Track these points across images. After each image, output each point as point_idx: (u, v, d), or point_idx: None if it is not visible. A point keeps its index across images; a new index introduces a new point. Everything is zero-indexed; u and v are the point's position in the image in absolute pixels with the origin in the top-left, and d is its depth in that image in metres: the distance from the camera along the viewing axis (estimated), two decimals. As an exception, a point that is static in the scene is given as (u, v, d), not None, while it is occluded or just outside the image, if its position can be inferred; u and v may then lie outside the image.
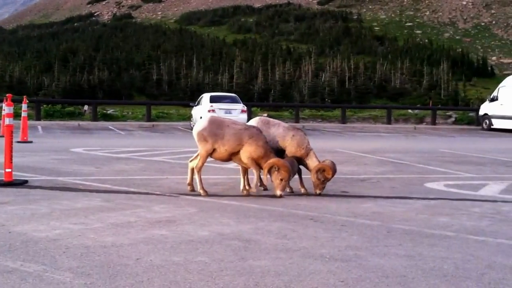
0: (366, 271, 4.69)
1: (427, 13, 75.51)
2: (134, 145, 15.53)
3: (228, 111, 21.74)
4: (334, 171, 8.13)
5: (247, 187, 8.28)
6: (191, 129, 23.58)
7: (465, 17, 73.08)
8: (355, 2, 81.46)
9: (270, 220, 6.51)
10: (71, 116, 29.55)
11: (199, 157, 8.19)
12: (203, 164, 8.15)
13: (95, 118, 28.06)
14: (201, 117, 21.77)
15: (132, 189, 8.35)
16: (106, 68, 43.23)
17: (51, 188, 8.32)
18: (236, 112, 21.84)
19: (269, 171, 7.83)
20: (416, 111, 35.52)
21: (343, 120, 31.31)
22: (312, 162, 8.22)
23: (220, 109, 21.63)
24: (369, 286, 4.34)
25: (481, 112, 29.04)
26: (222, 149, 7.99)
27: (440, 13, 74.62)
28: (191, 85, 42.93)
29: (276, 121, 8.76)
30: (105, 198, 7.62)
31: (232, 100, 22.95)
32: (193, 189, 8.20)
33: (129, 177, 9.52)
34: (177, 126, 25.42)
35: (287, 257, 5.03)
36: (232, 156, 8.07)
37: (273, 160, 7.83)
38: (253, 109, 31.25)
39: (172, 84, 43.75)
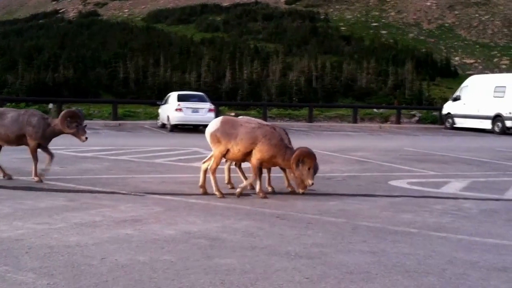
0: (331, 267, 4.75)
1: (392, 13, 76.51)
2: (100, 144, 15.34)
3: (195, 110, 21.65)
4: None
5: (287, 185, 8.26)
6: (158, 127, 23.44)
7: (429, 18, 74.28)
8: (322, 2, 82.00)
9: (236, 219, 6.53)
10: (35, 114, 29.03)
11: (213, 158, 8.10)
12: (217, 165, 8.05)
13: (60, 116, 27.60)
14: (168, 116, 21.78)
15: (97, 189, 8.27)
16: (72, 66, 42.51)
17: (14, 188, 8.19)
18: (203, 111, 21.75)
19: (297, 165, 7.79)
20: (381, 110, 35.95)
21: (310, 119, 31.51)
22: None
23: (187, 108, 21.52)
24: (333, 282, 4.40)
25: (444, 111, 29.54)
26: (236, 149, 7.89)
27: (405, 14, 75.68)
28: (159, 83, 42.57)
29: (258, 120, 8.75)
30: (69, 197, 7.54)
31: (200, 99, 22.84)
32: (205, 192, 8.10)
33: (94, 177, 9.43)
34: (144, 125, 25.23)
35: (253, 255, 5.06)
36: (247, 156, 7.96)
37: (297, 152, 7.79)
38: (221, 108, 31.18)
39: (139, 83, 43.30)
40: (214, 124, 8.08)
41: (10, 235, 5.48)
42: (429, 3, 77.23)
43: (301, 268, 4.70)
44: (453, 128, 28.16)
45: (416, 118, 34.30)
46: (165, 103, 23.37)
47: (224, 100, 39.19)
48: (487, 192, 8.94)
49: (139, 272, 4.47)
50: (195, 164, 11.45)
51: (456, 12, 74.89)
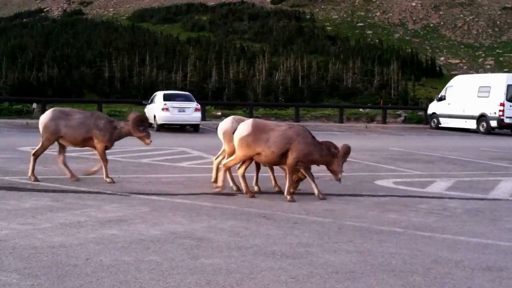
0: (317, 267, 4.76)
1: (378, 14, 76.86)
2: (85, 143, 15.24)
3: (181, 110, 21.59)
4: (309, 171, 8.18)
5: (317, 192, 8.14)
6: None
7: (414, 18, 74.74)
8: (308, 2, 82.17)
9: (223, 219, 6.52)
10: (19, 114, 28.77)
11: (232, 160, 7.99)
12: (234, 165, 8.06)
13: (44, 116, 27.35)
14: (154, 116, 21.67)
15: (82, 188, 8.22)
16: (56, 65, 42.20)
17: (-2, 188, 8.10)
18: (189, 110, 21.71)
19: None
20: (367, 110, 36.10)
21: (297, 119, 31.54)
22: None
23: (173, 107, 21.46)
24: (319, 282, 4.40)
25: (429, 111, 29.71)
26: (268, 152, 7.76)
27: (391, 14, 76.08)
28: (144, 83, 42.40)
29: (250, 120, 8.72)
30: (54, 197, 7.47)
31: (186, 99, 22.79)
32: (238, 188, 8.26)
33: (79, 176, 9.34)
34: (130, 124, 25.07)
35: (239, 255, 5.05)
36: (282, 158, 7.85)
37: (344, 149, 7.91)
38: (207, 107, 31.13)
39: (124, 82, 43.09)
40: (244, 129, 7.85)
41: (-7, 236, 5.42)
42: (414, 3, 77.70)
43: (287, 268, 4.70)
44: (438, 128, 28.35)
45: (402, 118, 34.47)
46: (151, 102, 23.28)
47: (210, 99, 39.17)
48: (472, 192, 9.01)
49: (124, 273, 4.45)
50: (182, 164, 11.42)
51: (441, 13, 75.43)
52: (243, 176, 8.10)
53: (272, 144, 7.73)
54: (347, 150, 7.96)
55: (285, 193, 7.88)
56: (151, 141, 9.07)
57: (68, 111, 9.13)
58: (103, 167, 8.88)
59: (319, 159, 7.96)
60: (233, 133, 8.19)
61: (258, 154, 7.82)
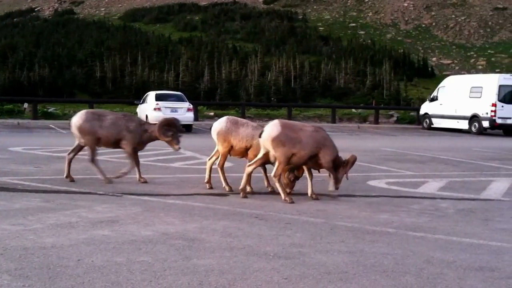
0: (309, 268, 4.75)
1: (370, 14, 77.03)
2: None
3: (174, 110, 21.54)
4: (303, 170, 8.18)
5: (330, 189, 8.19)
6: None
7: (406, 19, 74.95)
8: (300, 2, 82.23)
9: (215, 219, 6.50)
10: (10, 114, 28.64)
11: (278, 165, 7.73)
12: (282, 170, 7.83)
13: (35, 116, 27.25)
14: (146, 115, 21.62)
15: (73, 189, 8.17)
16: (47, 65, 42.01)
17: (-12, 189, 8.04)
18: (182, 110, 21.68)
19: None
20: (360, 110, 36.18)
21: (289, 119, 31.59)
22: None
23: (166, 107, 21.42)
24: (311, 282, 4.40)
25: (421, 112, 29.81)
26: (303, 153, 7.71)
27: (383, 14, 76.26)
28: (136, 83, 42.28)
29: (244, 120, 8.69)
30: (45, 198, 7.43)
31: (178, 99, 22.76)
32: (231, 189, 8.30)
33: (74, 177, 9.29)
34: (121, 124, 24.98)
35: (232, 255, 5.04)
36: (311, 160, 7.87)
37: (354, 157, 8.04)
38: (200, 107, 31.10)
39: (116, 82, 42.95)
40: (273, 129, 7.69)
41: (-16, 237, 5.38)
42: (406, 4, 77.94)
43: (279, 269, 4.69)
44: (431, 128, 28.45)
45: (394, 118, 34.59)
46: (143, 102, 23.24)
47: (202, 99, 39.13)
48: (464, 192, 9.03)
49: (115, 274, 4.42)
50: (174, 164, 11.39)
51: (433, 13, 75.69)
52: (222, 169, 8.37)
53: (306, 145, 7.73)
54: (354, 161, 8.08)
55: (331, 188, 8.04)
56: (179, 148, 8.97)
57: (101, 112, 9.14)
58: (136, 169, 8.90)
59: (338, 165, 8.05)
60: (227, 133, 8.18)
61: (292, 154, 7.72)
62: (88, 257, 4.82)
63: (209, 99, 40.00)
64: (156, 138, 8.99)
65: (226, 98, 40.60)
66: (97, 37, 56.00)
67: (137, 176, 8.96)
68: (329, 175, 8.09)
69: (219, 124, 8.39)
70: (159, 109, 21.23)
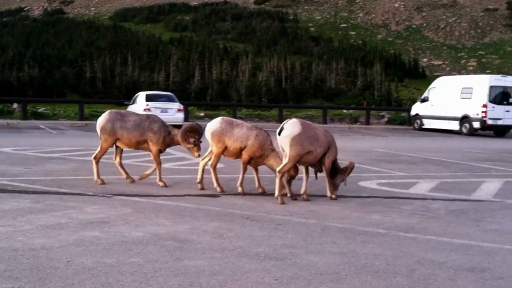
0: (300, 269, 4.74)
1: (361, 15, 77.21)
2: (66, 144, 15.11)
3: (164, 110, 21.50)
4: (297, 169, 8.17)
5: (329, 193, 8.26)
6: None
7: (397, 20, 75.19)
8: (291, 2, 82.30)
9: (206, 220, 6.47)
10: (0, 114, 28.46)
11: (287, 163, 7.75)
12: (290, 168, 7.86)
13: (25, 116, 27.10)
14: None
15: (63, 190, 8.11)
16: (37, 64, 41.77)
17: (-23, 189, 7.97)
18: (172, 111, 21.64)
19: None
20: (351, 111, 36.25)
21: (280, 119, 31.59)
22: (276, 162, 8.18)
23: (156, 108, 21.37)
24: (302, 283, 4.38)
25: (412, 113, 29.92)
26: (319, 151, 7.82)
27: (373, 15, 76.46)
28: (126, 83, 42.11)
29: (239, 121, 8.65)
30: (34, 199, 7.37)
31: (169, 99, 22.72)
32: (222, 190, 8.31)
33: (60, 178, 9.24)
34: (112, 125, 24.87)
35: (223, 256, 5.01)
36: (321, 158, 7.96)
37: (353, 164, 8.28)
38: (190, 108, 31.04)
39: (106, 82, 42.76)
40: (295, 128, 7.70)
41: (-28, 238, 5.32)
42: (397, 5, 78.21)
43: (270, 270, 4.68)
44: (422, 129, 28.55)
45: (385, 119, 34.69)
46: (133, 103, 23.17)
47: (193, 100, 39.04)
48: (455, 193, 9.06)
49: (106, 275, 4.39)
50: (165, 165, 11.32)
51: (424, 14, 76.00)
52: (211, 170, 8.34)
53: (322, 143, 7.84)
54: (352, 168, 8.24)
55: (329, 194, 8.16)
56: (199, 155, 8.84)
57: (124, 113, 9.05)
58: (157, 170, 8.83)
59: (336, 169, 8.18)
60: (222, 133, 8.16)
61: (308, 153, 7.77)
62: (78, 259, 4.78)
63: (200, 100, 39.93)
64: (177, 143, 8.88)
65: (217, 99, 40.55)
66: (87, 37, 55.79)
67: (157, 178, 8.82)
68: (326, 180, 8.22)
69: (214, 125, 8.37)
70: (149, 109, 21.16)
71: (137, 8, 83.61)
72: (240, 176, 8.40)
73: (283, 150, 7.87)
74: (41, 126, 23.18)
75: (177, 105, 22.09)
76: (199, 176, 8.64)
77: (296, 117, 33.39)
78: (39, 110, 29.81)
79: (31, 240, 5.31)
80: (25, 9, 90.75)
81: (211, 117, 30.45)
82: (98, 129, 8.90)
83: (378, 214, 7.19)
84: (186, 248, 5.23)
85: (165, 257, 4.91)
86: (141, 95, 22.71)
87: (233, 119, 8.63)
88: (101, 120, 8.88)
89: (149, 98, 22.00)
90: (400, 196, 8.61)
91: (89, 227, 5.90)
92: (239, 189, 8.33)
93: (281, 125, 7.91)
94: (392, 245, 5.62)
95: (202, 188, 8.52)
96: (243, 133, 8.21)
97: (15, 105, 30.33)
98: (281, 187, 7.83)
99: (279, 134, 7.83)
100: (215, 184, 8.42)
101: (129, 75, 43.60)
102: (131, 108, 23.11)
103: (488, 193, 9.12)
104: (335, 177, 8.13)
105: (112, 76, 43.72)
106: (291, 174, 8.14)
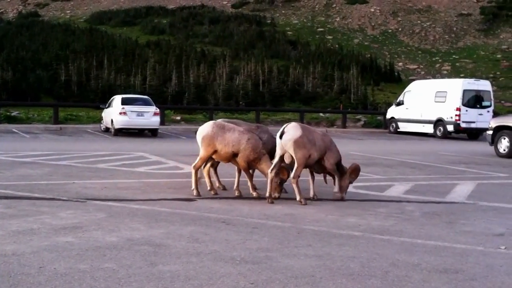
0: (276, 272, 4.73)
1: (338, 19, 77.71)
2: (40, 148, 14.90)
3: (140, 114, 21.33)
4: (289, 173, 8.16)
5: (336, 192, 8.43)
6: (102, 131, 22.95)
7: (373, 24, 75.85)
8: (269, 6, 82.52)
9: (181, 224, 6.43)
10: (-28, 118, 27.96)
11: (297, 167, 7.82)
12: (301, 172, 7.96)
13: (-2, 120, 26.67)
14: (112, 120, 21.38)
15: (36, 195, 8.00)
16: (11, 68, 41.17)
17: None
18: (148, 114, 21.47)
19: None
20: (328, 114, 36.40)
21: (258, 123, 31.61)
22: (266, 165, 8.18)
23: (132, 111, 21.18)
24: (278, 287, 4.37)
25: (388, 116, 30.15)
26: (316, 155, 7.98)
27: (350, 20, 77.01)
28: (102, 86, 41.74)
29: (231, 125, 8.53)
30: (6, 204, 7.25)
31: (145, 103, 22.53)
32: (199, 194, 8.25)
33: (33, 182, 9.11)
34: (87, 128, 24.66)
35: (198, 260, 4.98)
36: (317, 161, 8.06)
37: (357, 166, 8.55)
38: (167, 111, 30.85)
39: (81, 85, 42.31)
40: (296, 131, 7.79)
41: None
42: (373, 10, 78.88)
43: (246, 273, 4.66)
44: (397, 132, 28.78)
45: (361, 123, 34.89)
46: (109, 106, 22.93)
47: (170, 103, 38.83)
48: (430, 195, 9.15)
49: (79, 281, 4.33)
50: (140, 169, 11.25)
51: (399, 19, 76.77)
52: (208, 174, 8.58)
53: (318, 147, 8.00)
54: (359, 170, 8.54)
55: (336, 189, 8.40)
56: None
57: (224, 125, 8.45)
58: (249, 182, 8.53)
59: (342, 170, 8.42)
60: (213, 137, 8.12)
61: (309, 156, 7.90)
62: (51, 265, 4.71)
63: (177, 103, 39.72)
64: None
65: (194, 102, 40.39)
66: (62, 40, 55.15)
67: (235, 185, 8.60)
68: (333, 181, 8.47)
69: (205, 129, 8.35)
70: (124, 113, 20.97)
71: (114, 11, 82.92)
72: (249, 181, 8.43)
73: (281, 152, 7.95)
74: (14, 130, 22.84)
75: (153, 108, 21.92)
76: (208, 184, 8.62)
77: (272, 120, 33.49)
78: (13, 114, 29.35)
79: (2, 246, 5.23)
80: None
81: (187, 121, 30.34)
82: (198, 139, 8.43)
83: (353, 216, 7.23)
84: (161, 253, 5.19)
85: (139, 262, 4.87)
86: (117, 99, 22.47)
87: (225, 123, 8.55)
88: (202, 131, 8.38)
89: (124, 102, 21.78)
90: (376, 199, 8.67)
91: (62, 233, 5.82)
92: (236, 193, 8.46)
93: (281, 128, 8.01)
94: (367, 248, 5.64)
95: (216, 194, 8.51)
96: (234, 137, 8.21)
97: (-12, 109, 29.79)
98: (300, 191, 7.98)
99: (280, 137, 7.90)
100: (193, 186, 8.38)
101: (105, 78, 43.22)
102: (107, 111, 22.88)
103: (461, 195, 9.23)
104: (341, 179, 8.30)
105: (88, 80, 43.29)
106: (281, 177, 8.16)
